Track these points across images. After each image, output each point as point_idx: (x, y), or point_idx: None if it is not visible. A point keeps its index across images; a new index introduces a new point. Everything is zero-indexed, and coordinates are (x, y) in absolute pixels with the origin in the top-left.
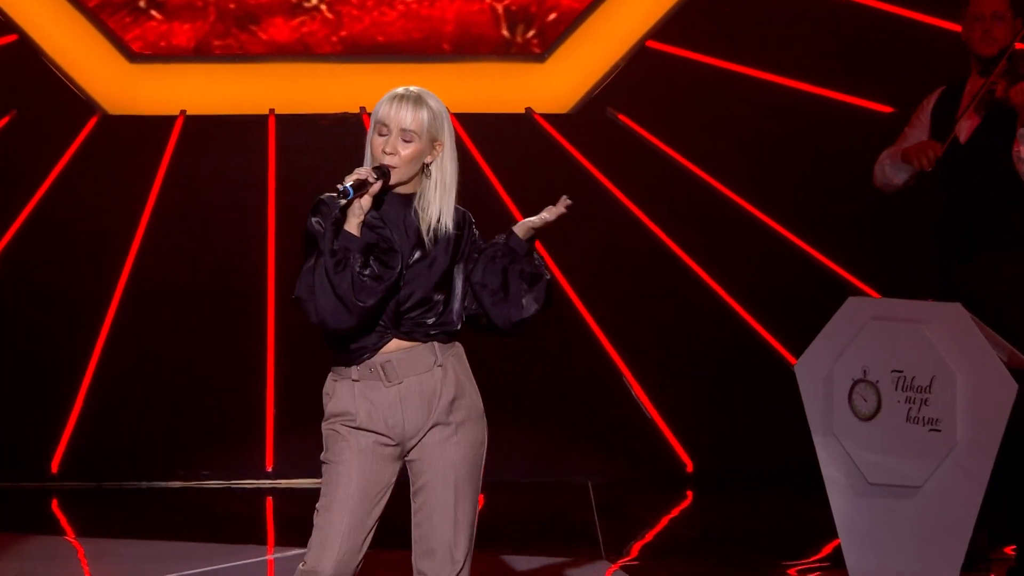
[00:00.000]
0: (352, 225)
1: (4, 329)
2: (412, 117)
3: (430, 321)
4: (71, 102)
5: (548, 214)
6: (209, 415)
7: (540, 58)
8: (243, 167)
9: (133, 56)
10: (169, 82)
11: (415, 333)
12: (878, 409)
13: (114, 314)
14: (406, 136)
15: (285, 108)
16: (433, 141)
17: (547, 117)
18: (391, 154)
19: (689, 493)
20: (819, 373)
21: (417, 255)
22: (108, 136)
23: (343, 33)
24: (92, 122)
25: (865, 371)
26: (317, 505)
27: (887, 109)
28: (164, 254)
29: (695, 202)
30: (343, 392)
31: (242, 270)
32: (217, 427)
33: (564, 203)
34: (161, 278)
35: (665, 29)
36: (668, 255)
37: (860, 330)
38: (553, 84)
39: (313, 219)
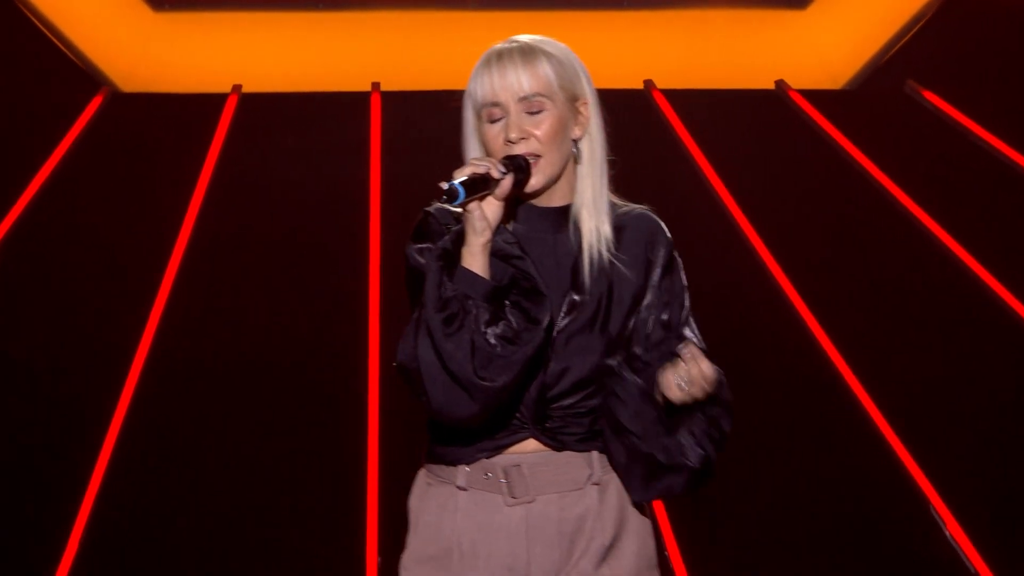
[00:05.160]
0: (472, 255)
1: None
2: (531, 74)
3: (594, 407)
4: (65, 73)
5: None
6: (281, 550)
7: (799, 2)
8: (330, 169)
9: (160, 1)
10: (215, 42)
11: (567, 436)
12: None
13: (134, 389)
14: (532, 105)
15: (394, 82)
16: (574, 101)
17: (809, 95)
18: (522, 140)
19: None
20: None
21: (573, 304)
22: (120, 123)
23: None
24: (96, 102)
25: None
26: None
27: None
28: (210, 297)
29: None
30: (438, 506)
31: (331, 322)
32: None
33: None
34: (204, 335)
35: None
36: (997, 308)
37: None
38: (819, 43)
39: (414, 247)
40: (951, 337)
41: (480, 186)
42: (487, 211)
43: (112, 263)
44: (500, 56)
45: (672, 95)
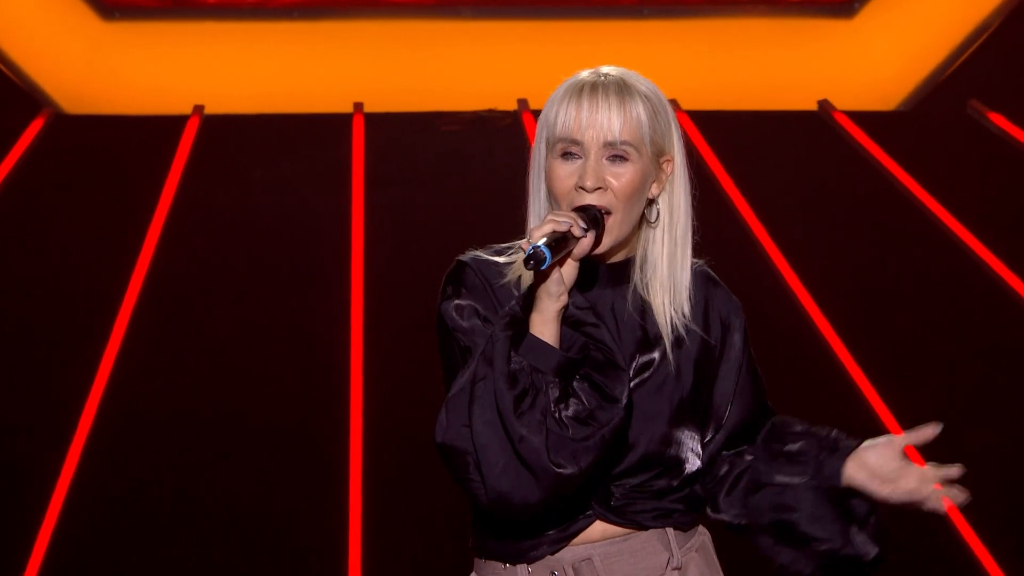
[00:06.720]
0: (545, 322)
1: None
2: (623, 119)
3: (662, 488)
4: (3, 94)
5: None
6: None
7: (847, 10)
8: (307, 200)
9: (109, 9)
10: (174, 56)
11: (635, 512)
12: None
13: (85, 442)
14: (616, 152)
15: (379, 102)
16: (659, 156)
17: (857, 117)
18: (598, 189)
19: None
20: None
21: (640, 368)
22: (65, 150)
23: None
24: (36, 126)
25: None
26: None
27: None
28: (168, 346)
29: None
30: None
31: (309, 362)
32: None
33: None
34: (163, 384)
35: None
36: None
37: None
38: (869, 58)
39: (452, 304)
40: (1016, 376)
41: (561, 245)
42: (564, 273)
43: (61, 303)
44: (593, 89)
45: (699, 117)
